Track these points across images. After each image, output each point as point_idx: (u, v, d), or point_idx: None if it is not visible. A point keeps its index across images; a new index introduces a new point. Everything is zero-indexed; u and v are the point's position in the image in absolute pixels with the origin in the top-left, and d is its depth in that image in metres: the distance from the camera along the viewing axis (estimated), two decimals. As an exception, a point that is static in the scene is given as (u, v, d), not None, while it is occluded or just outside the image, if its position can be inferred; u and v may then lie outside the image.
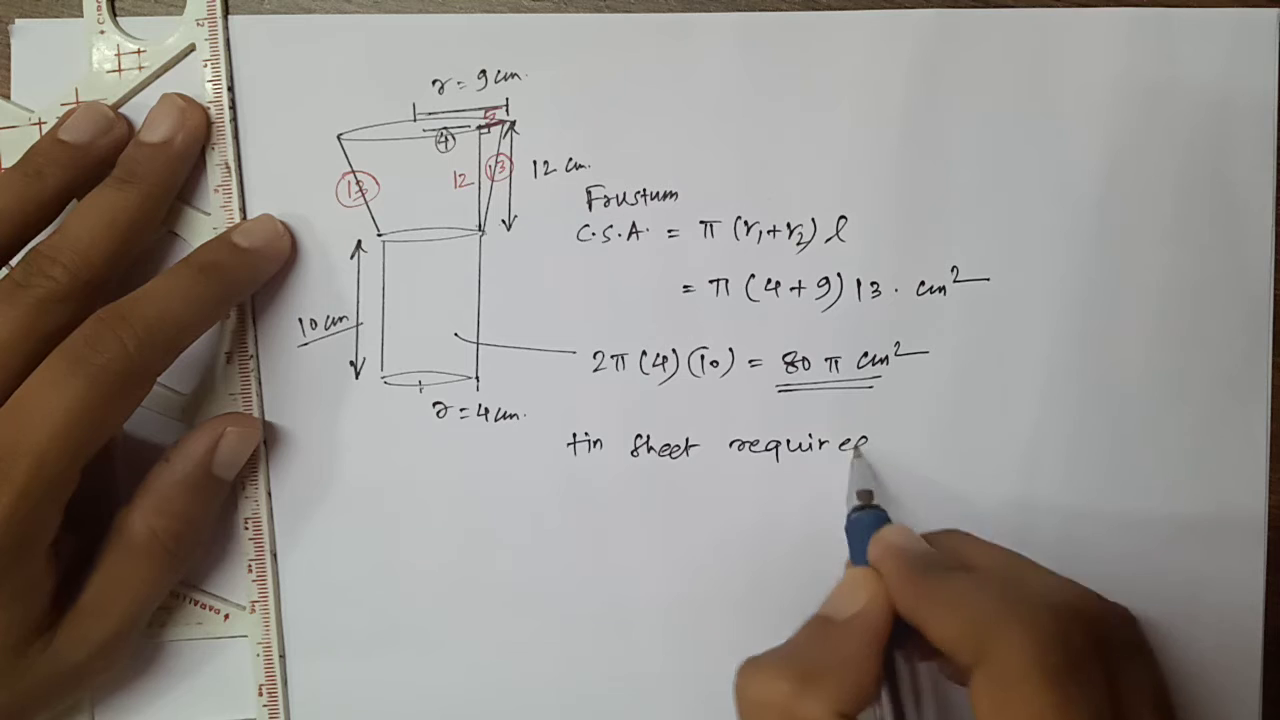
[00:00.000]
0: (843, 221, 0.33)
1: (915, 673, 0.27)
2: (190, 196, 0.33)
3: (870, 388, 0.34)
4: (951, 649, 0.24)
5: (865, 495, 0.31)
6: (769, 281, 0.34)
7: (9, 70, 0.33)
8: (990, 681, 0.23)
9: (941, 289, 0.34)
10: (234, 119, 0.33)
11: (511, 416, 0.34)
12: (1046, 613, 0.24)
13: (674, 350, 0.34)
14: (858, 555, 0.29)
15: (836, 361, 0.34)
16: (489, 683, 0.34)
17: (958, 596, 0.25)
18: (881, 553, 0.27)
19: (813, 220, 0.33)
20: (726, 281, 0.34)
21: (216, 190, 0.33)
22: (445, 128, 0.33)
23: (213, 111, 0.33)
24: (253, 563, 0.33)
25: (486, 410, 0.34)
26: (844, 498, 0.33)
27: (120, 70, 0.33)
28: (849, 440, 0.34)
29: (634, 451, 0.34)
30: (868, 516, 0.30)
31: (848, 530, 0.31)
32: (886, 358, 0.34)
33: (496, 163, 0.33)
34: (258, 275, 0.32)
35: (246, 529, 0.33)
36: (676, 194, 0.33)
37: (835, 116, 0.33)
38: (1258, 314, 0.33)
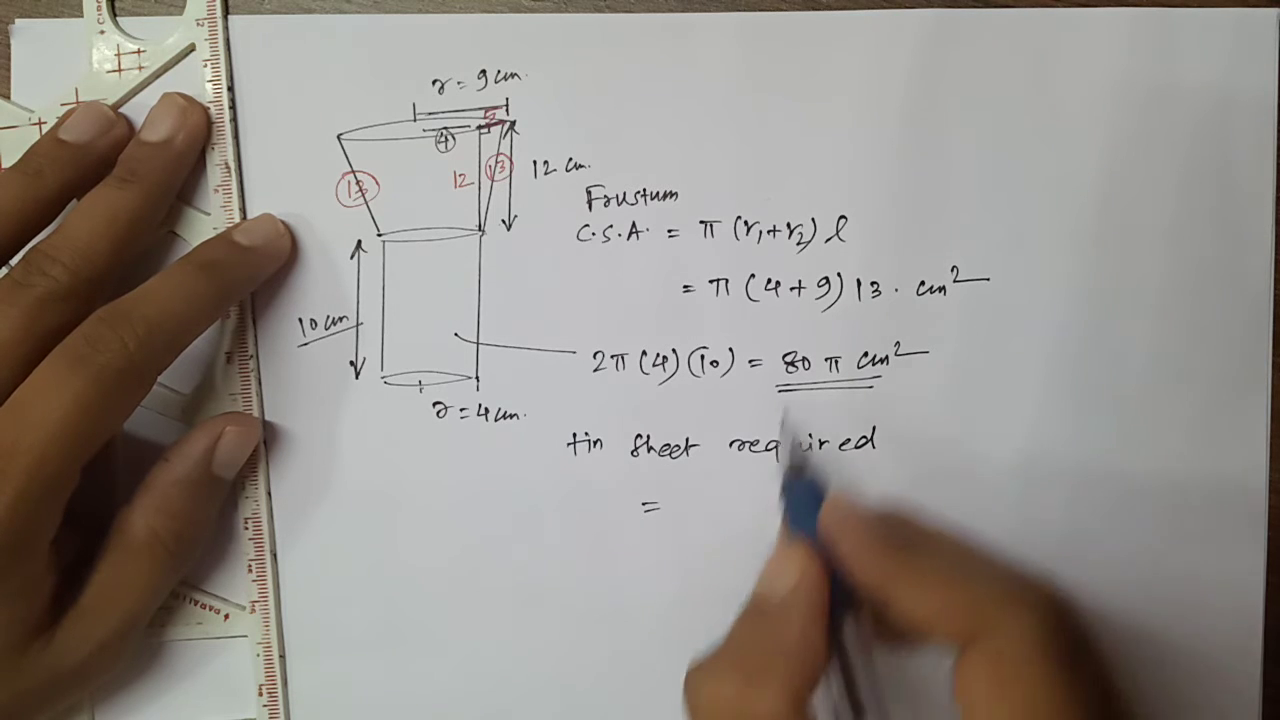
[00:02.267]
0: (843, 221, 0.33)
1: (865, 639, 0.26)
2: (190, 196, 0.33)
3: (870, 388, 0.34)
4: (931, 626, 0.24)
5: (800, 455, 0.30)
6: (769, 281, 0.34)
7: (9, 70, 0.33)
8: (990, 663, 0.23)
9: (941, 289, 0.34)
10: (234, 119, 0.33)
11: (511, 416, 0.34)
12: (1048, 600, 0.24)
13: (674, 350, 0.34)
14: (799, 518, 0.28)
15: (836, 361, 0.34)
16: (489, 682, 0.34)
17: (941, 577, 0.24)
18: (841, 523, 0.27)
19: (813, 220, 0.33)
20: (726, 281, 0.34)
21: (216, 190, 0.33)
22: (445, 128, 0.33)
23: (213, 111, 0.33)
24: (253, 563, 0.33)
25: (486, 410, 0.34)
26: (781, 448, 0.32)
27: (120, 70, 0.33)
28: (848, 440, 0.34)
29: (634, 451, 0.34)
30: (806, 481, 0.29)
31: (784, 493, 0.30)
32: (886, 358, 0.34)
33: (496, 163, 0.33)
34: (258, 274, 0.32)
35: (246, 529, 0.33)
36: (676, 194, 0.33)
37: (835, 116, 0.33)
38: (1258, 314, 0.33)
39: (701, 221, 0.33)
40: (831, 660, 0.26)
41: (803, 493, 0.29)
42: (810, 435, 0.34)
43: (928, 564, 0.25)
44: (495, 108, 0.33)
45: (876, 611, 0.26)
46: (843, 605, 0.26)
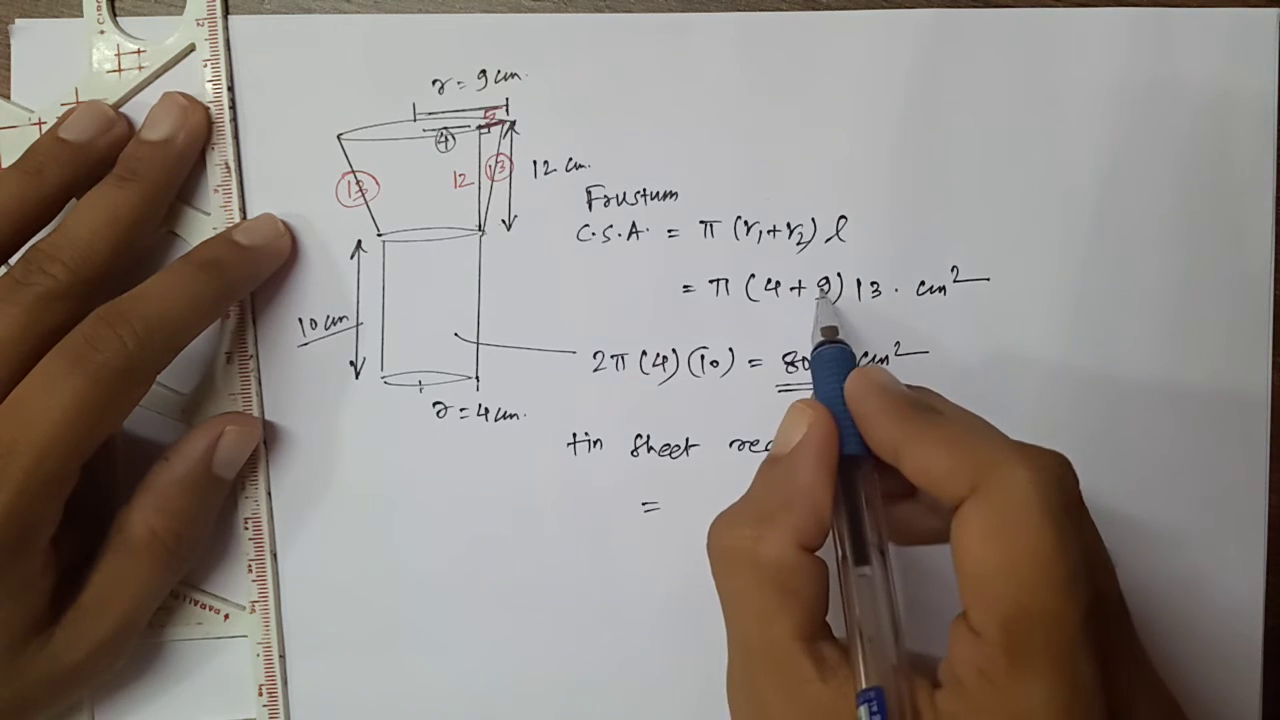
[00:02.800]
0: (843, 221, 0.33)
1: (874, 494, 0.27)
2: (190, 196, 0.33)
3: (870, 388, 0.34)
4: (940, 484, 0.24)
5: (830, 331, 0.31)
6: (769, 281, 0.34)
7: (9, 70, 0.33)
8: (985, 511, 0.23)
9: (941, 289, 0.34)
10: (234, 119, 0.33)
11: (511, 416, 0.34)
12: (1050, 456, 0.24)
13: (674, 350, 0.34)
14: (822, 388, 0.29)
15: (836, 361, 0.34)
16: (489, 682, 0.34)
17: (952, 435, 0.25)
18: (864, 387, 0.27)
19: (813, 220, 0.34)
20: (726, 281, 0.34)
21: (216, 190, 0.33)
22: (445, 128, 0.33)
23: (213, 111, 0.33)
24: (253, 563, 0.33)
25: (486, 410, 0.34)
26: (813, 326, 0.32)
27: (120, 70, 0.33)
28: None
29: (634, 451, 0.34)
30: (833, 350, 0.30)
31: (812, 362, 0.30)
32: (886, 358, 0.34)
33: (496, 163, 0.33)
34: (258, 273, 0.32)
35: (246, 529, 0.33)
36: (676, 194, 0.33)
37: (835, 116, 0.33)
38: (1258, 314, 0.33)
39: (701, 221, 0.33)
40: (839, 510, 0.26)
41: (830, 362, 0.29)
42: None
43: (940, 426, 0.26)
44: (495, 108, 0.33)
45: (889, 470, 0.26)
46: (856, 462, 0.27)
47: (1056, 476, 0.23)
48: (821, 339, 0.31)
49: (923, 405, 0.27)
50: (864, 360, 0.34)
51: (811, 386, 0.32)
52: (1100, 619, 0.23)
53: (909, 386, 0.28)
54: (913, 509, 0.28)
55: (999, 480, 0.23)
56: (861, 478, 0.27)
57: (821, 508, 0.26)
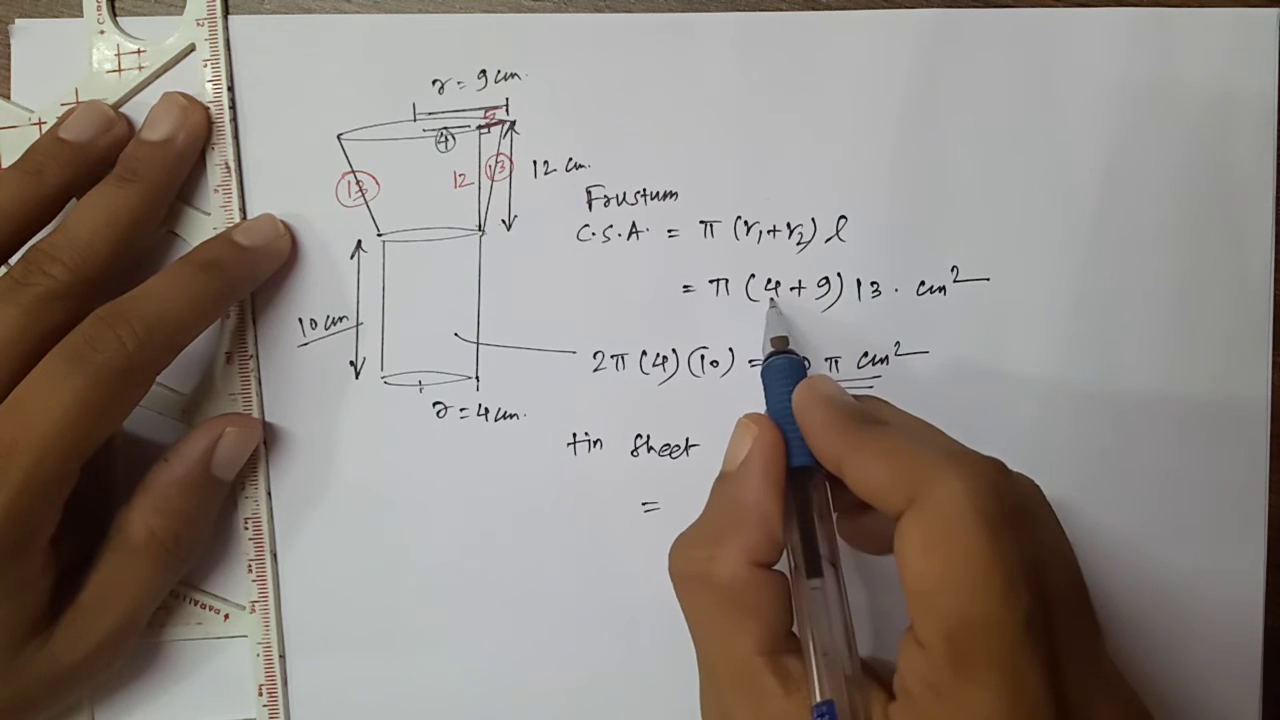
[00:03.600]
0: (843, 221, 0.33)
1: (823, 507, 0.27)
2: (190, 196, 0.33)
3: (870, 388, 0.34)
4: (880, 496, 0.24)
5: (780, 341, 0.31)
6: (769, 281, 0.34)
7: (9, 70, 0.33)
8: (922, 522, 0.23)
9: (941, 289, 0.34)
10: (234, 119, 0.33)
11: (511, 416, 0.34)
12: (984, 463, 0.24)
13: (674, 350, 0.34)
14: (773, 399, 0.29)
15: (836, 361, 0.34)
16: (489, 682, 0.34)
17: (891, 446, 0.25)
18: (809, 400, 0.27)
19: (813, 220, 0.33)
20: (726, 281, 0.34)
21: (216, 190, 0.33)
22: (445, 128, 0.33)
23: (213, 111, 0.33)
24: (253, 563, 0.33)
25: (486, 410, 0.34)
26: (764, 337, 0.32)
27: (120, 70, 0.33)
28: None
29: (634, 451, 0.34)
30: (783, 361, 0.30)
31: (763, 375, 0.30)
32: (886, 358, 0.34)
33: (496, 163, 0.33)
34: (257, 273, 0.32)
35: (246, 529, 0.33)
36: (676, 194, 0.33)
37: (835, 116, 0.33)
38: (1258, 314, 0.33)
39: (701, 221, 0.33)
40: (791, 524, 0.26)
41: (779, 372, 0.29)
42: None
43: (881, 438, 0.25)
44: (495, 108, 0.33)
45: (835, 483, 0.26)
46: (808, 474, 0.27)
47: (991, 482, 0.23)
48: (771, 349, 0.30)
49: (865, 416, 0.27)
50: (864, 358, 0.34)
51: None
52: (1046, 621, 0.23)
53: (858, 398, 0.28)
54: (878, 518, 0.28)
55: (933, 491, 0.23)
56: (813, 489, 0.27)
57: (771, 522, 0.26)
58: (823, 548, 0.26)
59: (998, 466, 0.24)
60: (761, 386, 0.30)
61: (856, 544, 0.29)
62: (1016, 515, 0.23)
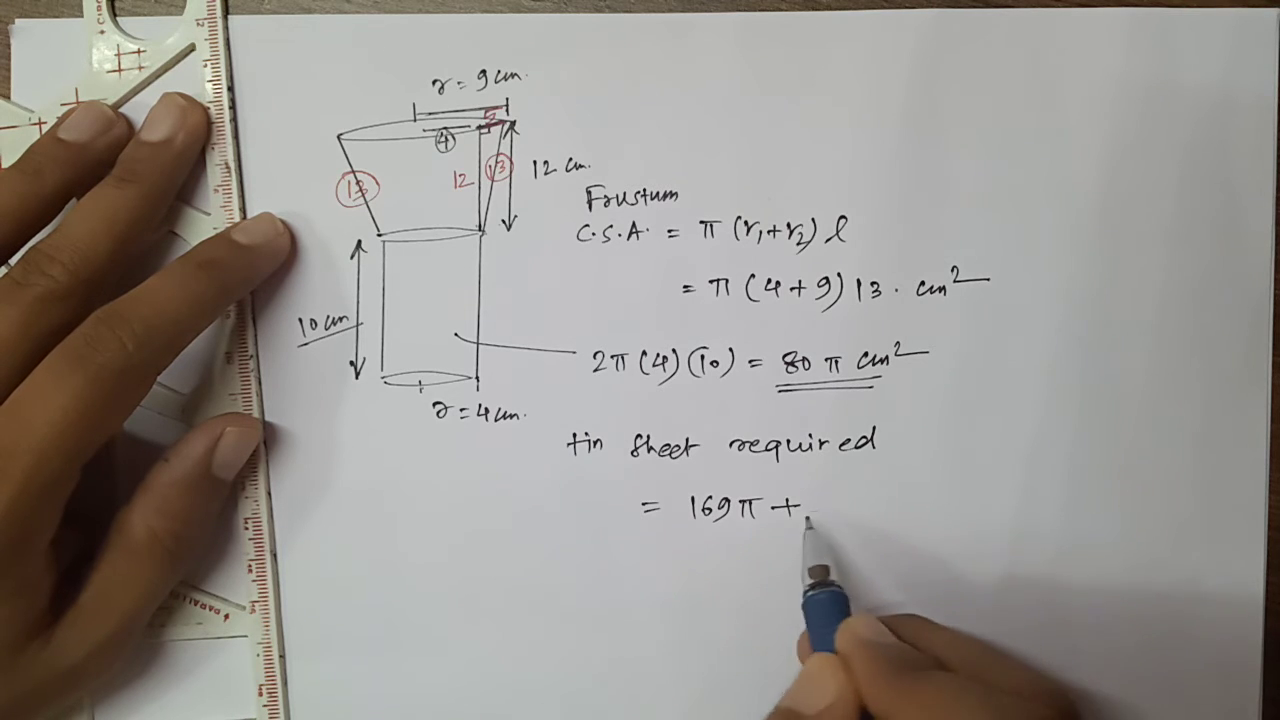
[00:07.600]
0: (843, 221, 0.33)
1: None
2: (190, 196, 0.33)
3: (870, 388, 0.34)
4: None
5: (820, 571, 0.31)
6: (769, 281, 0.34)
7: (9, 70, 0.33)
8: None
9: (941, 289, 0.34)
10: (234, 119, 0.33)
11: (511, 416, 0.34)
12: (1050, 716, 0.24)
13: (674, 350, 0.34)
14: (817, 637, 0.30)
15: (836, 361, 0.34)
16: (489, 682, 0.34)
17: (939, 701, 0.25)
18: (851, 646, 0.28)
19: (813, 220, 0.33)
20: (726, 281, 0.34)
21: (216, 190, 0.33)
22: (445, 128, 0.33)
23: (213, 111, 0.33)
24: (253, 563, 0.33)
25: (486, 410, 0.34)
26: (802, 565, 0.32)
27: (120, 70, 0.33)
28: (848, 440, 0.34)
29: (634, 451, 0.34)
30: (825, 596, 0.30)
31: (805, 610, 0.31)
32: (886, 358, 0.34)
33: (496, 163, 0.33)
34: (257, 273, 0.32)
35: (246, 529, 0.33)
36: (676, 194, 0.33)
37: (835, 116, 0.33)
38: (1258, 314, 0.33)
39: (701, 221, 0.33)
40: None
41: (821, 609, 0.30)
42: (810, 435, 0.34)
43: (931, 691, 0.26)
44: (495, 108, 0.33)
45: None
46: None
47: None
48: (811, 581, 0.31)
49: (909, 663, 0.27)
50: (864, 358, 0.33)
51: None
52: None
53: (898, 617, 0.28)
54: None
55: None
56: None
57: None
58: None
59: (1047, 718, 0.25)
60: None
61: None
62: None
